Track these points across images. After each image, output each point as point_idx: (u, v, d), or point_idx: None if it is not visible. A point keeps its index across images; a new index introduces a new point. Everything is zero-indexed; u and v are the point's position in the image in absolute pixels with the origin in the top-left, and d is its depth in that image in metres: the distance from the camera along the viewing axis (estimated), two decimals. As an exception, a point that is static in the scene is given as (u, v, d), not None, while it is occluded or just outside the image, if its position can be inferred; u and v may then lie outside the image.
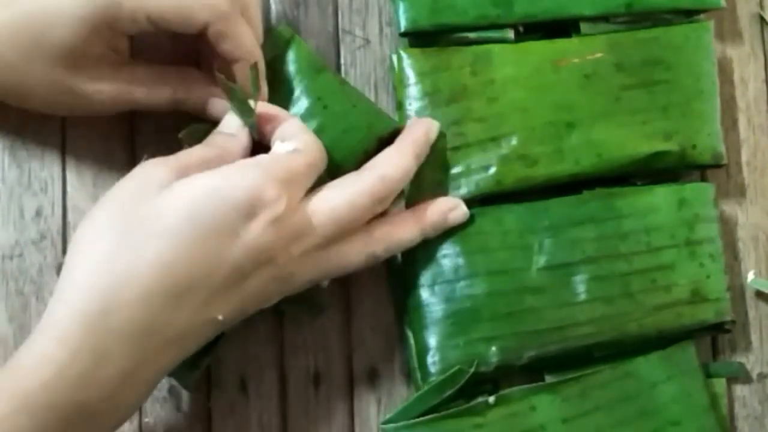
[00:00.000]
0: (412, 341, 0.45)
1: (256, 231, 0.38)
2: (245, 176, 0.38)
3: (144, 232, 0.36)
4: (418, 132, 0.44)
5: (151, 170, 0.38)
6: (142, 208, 0.37)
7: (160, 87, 0.43)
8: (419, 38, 0.47)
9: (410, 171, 0.43)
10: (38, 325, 0.36)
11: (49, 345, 0.35)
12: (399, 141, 0.44)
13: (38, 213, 0.45)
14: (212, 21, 0.40)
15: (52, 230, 0.45)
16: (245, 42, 0.42)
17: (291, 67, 0.45)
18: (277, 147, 0.41)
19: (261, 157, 0.40)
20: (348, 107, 0.44)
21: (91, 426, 0.36)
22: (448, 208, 0.45)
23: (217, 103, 0.43)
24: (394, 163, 0.42)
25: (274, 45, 0.45)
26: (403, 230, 0.43)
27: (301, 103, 0.44)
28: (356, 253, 0.42)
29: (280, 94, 0.44)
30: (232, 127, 0.42)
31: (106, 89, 0.42)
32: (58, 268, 0.42)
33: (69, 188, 0.46)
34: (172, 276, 0.36)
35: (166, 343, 0.37)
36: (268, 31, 0.45)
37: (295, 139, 0.41)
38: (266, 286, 0.39)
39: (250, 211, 0.37)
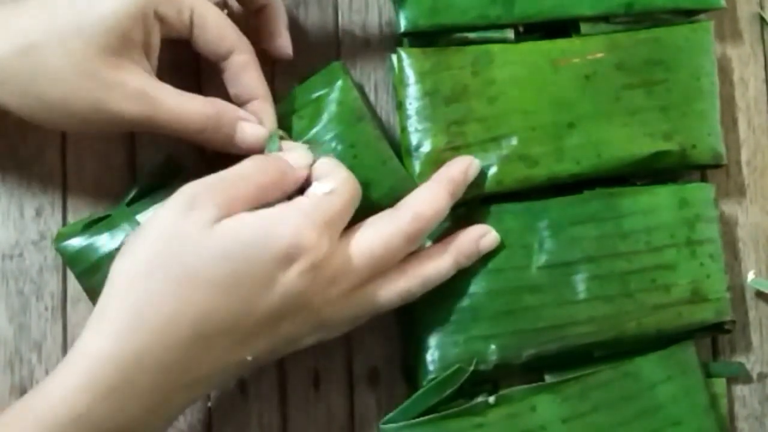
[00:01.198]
0: (411, 341, 0.45)
1: (293, 278, 0.37)
2: (287, 224, 0.38)
3: (186, 280, 0.36)
4: (456, 170, 0.44)
5: (198, 207, 0.37)
6: (185, 251, 0.37)
7: (191, 100, 0.41)
8: (419, 38, 0.47)
9: (445, 209, 0.43)
10: (71, 353, 0.36)
11: (82, 380, 0.35)
12: (436, 177, 0.44)
13: (38, 213, 0.45)
14: (241, 50, 0.42)
15: (52, 230, 0.45)
16: (263, 80, 0.43)
17: (333, 107, 0.44)
18: (315, 188, 0.40)
19: (301, 202, 0.39)
20: (377, 163, 0.44)
21: None
22: (479, 235, 0.44)
23: (247, 128, 0.42)
24: (428, 202, 0.42)
25: (324, 81, 0.45)
26: (437, 264, 0.43)
27: (334, 147, 0.44)
28: (391, 291, 0.42)
29: (316, 132, 0.44)
30: (296, 160, 0.41)
31: (136, 85, 0.39)
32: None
33: (69, 188, 0.46)
34: (209, 323, 0.37)
35: (193, 382, 0.37)
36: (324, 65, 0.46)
37: (330, 178, 0.41)
38: (300, 329, 0.40)
39: (289, 259, 0.37)
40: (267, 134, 0.42)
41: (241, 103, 0.43)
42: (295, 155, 0.42)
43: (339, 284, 0.40)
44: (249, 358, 0.38)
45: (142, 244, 0.37)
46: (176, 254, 0.37)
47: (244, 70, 0.42)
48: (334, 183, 0.40)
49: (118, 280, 0.37)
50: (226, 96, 0.42)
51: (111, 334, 0.36)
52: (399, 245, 0.41)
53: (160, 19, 0.40)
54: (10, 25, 0.39)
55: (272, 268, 0.37)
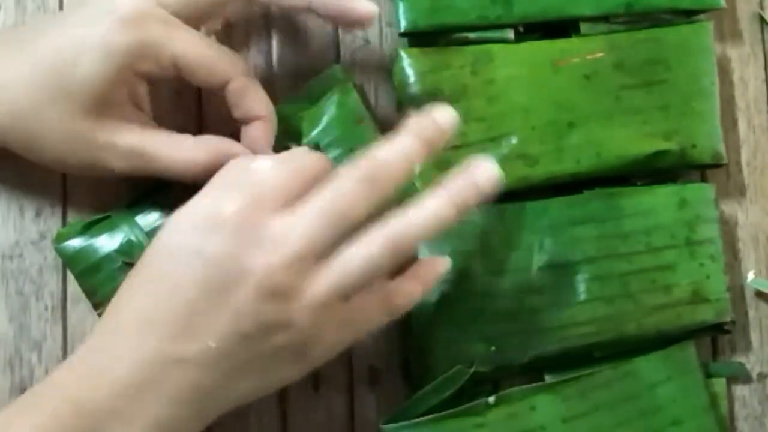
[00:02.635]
0: (412, 341, 0.45)
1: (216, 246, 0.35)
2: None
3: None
4: (429, 122, 0.39)
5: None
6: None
7: (182, 148, 0.41)
8: (419, 38, 0.47)
9: (413, 158, 0.38)
10: (89, 340, 0.37)
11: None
12: (406, 128, 0.39)
13: (38, 213, 0.45)
14: (235, 77, 0.40)
15: (52, 230, 0.45)
16: (264, 99, 0.41)
17: (333, 110, 0.44)
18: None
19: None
20: None
21: None
22: (476, 179, 0.39)
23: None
24: (390, 146, 0.38)
25: (325, 84, 0.45)
26: (431, 208, 0.38)
27: (334, 149, 0.44)
28: (376, 308, 0.38)
29: (317, 134, 0.44)
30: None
31: (126, 143, 0.40)
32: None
33: (69, 188, 0.46)
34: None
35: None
36: (324, 69, 0.46)
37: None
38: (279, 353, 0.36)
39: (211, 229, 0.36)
40: None
41: (244, 124, 0.42)
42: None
43: (284, 246, 0.35)
44: (212, 345, 0.35)
45: (163, 258, 0.37)
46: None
47: (243, 96, 0.41)
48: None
49: (129, 291, 0.38)
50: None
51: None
52: (352, 190, 0.36)
53: (142, 75, 0.40)
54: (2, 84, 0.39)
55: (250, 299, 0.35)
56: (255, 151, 0.41)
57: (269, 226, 0.35)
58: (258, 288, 0.35)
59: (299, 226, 0.36)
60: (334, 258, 0.36)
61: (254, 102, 0.41)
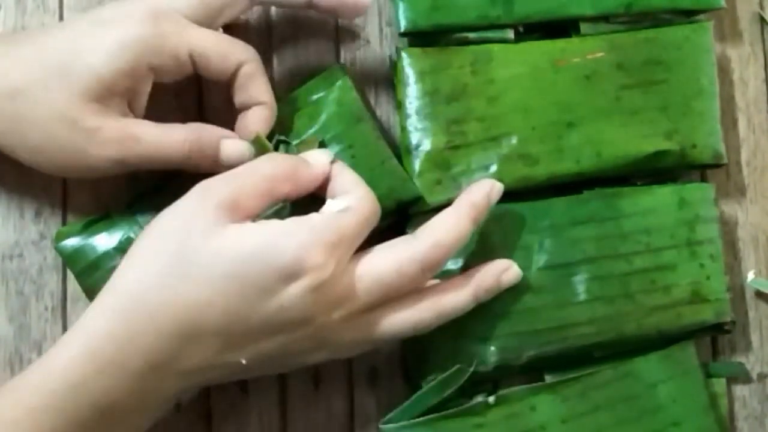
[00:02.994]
0: (411, 341, 0.45)
1: (293, 294, 0.37)
2: (293, 240, 0.37)
3: (186, 275, 0.37)
4: (478, 195, 0.42)
5: (207, 208, 0.38)
6: (190, 249, 0.37)
7: (171, 131, 0.42)
8: (419, 38, 0.47)
9: (466, 237, 0.41)
10: (73, 327, 0.37)
11: (79, 351, 0.36)
12: (457, 204, 0.42)
13: (38, 213, 0.45)
14: (247, 61, 0.41)
15: (52, 230, 0.45)
16: (268, 87, 0.42)
17: (333, 108, 0.44)
18: (329, 205, 0.40)
19: (312, 218, 0.39)
20: (375, 163, 0.44)
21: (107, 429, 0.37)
22: (501, 269, 0.43)
23: (229, 145, 0.42)
24: (449, 230, 0.40)
25: (325, 82, 0.45)
26: (456, 298, 0.42)
27: (332, 147, 0.44)
28: (403, 320, 0.40)
29: (315, 132, 0.44)
30: (312, 157, 0.42)
31: (114, 130, 0.40)
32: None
33: (69, 188, 0.46)
34: (200, 319, 0.37)
35: (185, 371, 0.38)
36: (324, 67, 0.46)
37: (348, 195, 0.40)
38: (299, 344, 0.39)
39: (291, 275, 0.37)
40: (249, 146, 0.42)
41: (244, 110, 0.43)
42: (313, 153, 0.42)
43: (344, 306, 0.39)
44: (243, 361, 0.38)
45: (152, 233, 0.38)
46: (181, 247, 0.37)
47: (250, 80, 0.42)
48: (350, 201, 0.40)
49: (125, 263, 0.38)
50: (227, 101, 0.43)
51: (108, 312, 0.37)
52: (414, 273, 0.40)
53: (154, 69, 0.41)
54: (1, 68, 0.40)
55: (273, 282, 0.37)
56: (246, 136, 0.42)
57: (337, 283, 0.38)
58: (314, 332, 0.39)
59: (362, 293, 0.39)
60: (386, 318, 0.40)
61: (259, 87, 0.42)
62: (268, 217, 0.39)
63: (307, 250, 0.37)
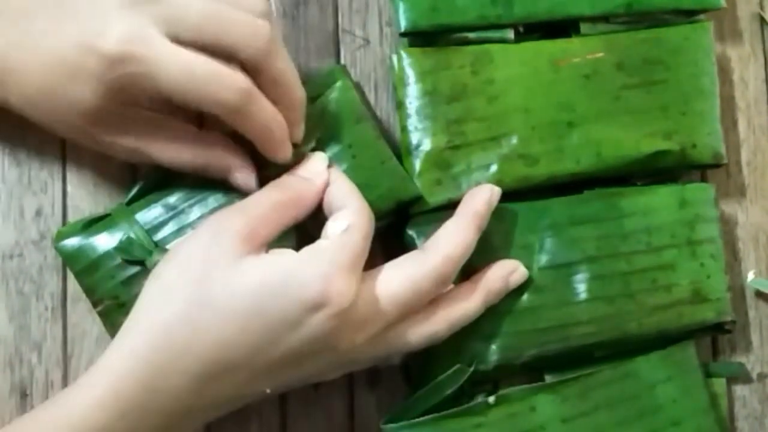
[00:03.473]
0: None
1: (319, 323, 0.37)
2: (315, 271, 0.37)
3: (209, 312, 0.37)
4: (479, 203, 0.43)
5: (223, 240, 0.38)
6: (210, 285, 0.37)
7: (181, 152, 0.42)
8: (419, 38, 0.47)
9: (473, 245, 0.42)
10: (96, 363, 0.37)
11: (104, 394, 0.36)
12: (461, 215, 0.42)
13: (38, 213, 0.45)
14: (232, 97, 0.38)
15: (52, 230, 0.45)
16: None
17: (332, 108, 0.44)
18: (332, 228, 0.40)
19: (324, 245, 0.39)
20: (375, 163, 0.44)
21: None
22: (509, 271, 0.44)
23: (239, 178, 0.42)
24: (457, 242, 0.41)
25: (324, 82, 0.45)
26: (466, 306, 0.42)
27: (332, 147, 0.44)
28: (418, 334, 0.41)
29: (314, 132, 0.44)
30: (310, 171, 0.42)
31: (127, 145, 0.41)
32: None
33: (69, 188, 0.46)
34: (227, 355, 0.37)
35: (207, 407, 0.38)
36: (322, 68, 0.46)
37: (345, 211, 0.40)
38: (322, 368, 0.40)
39: (317, 305, 0.37)
40: (255, 187, 0.41)
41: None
42: (309, 164, 0.42)
43: (365, 329, 0.39)
44: (267, 391, 0.39)
45: (170, 269, 0.38)
46: (200, 282, 0.37)
47: (243, 120, 0.40)
48: (350, 217, 0.40)
49: (144, 300, 0.38)
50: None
51: (131, 353, 0.37)
52: (429, 289, 0.40)
53: (133, 98, 0.40)
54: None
55: (297, 314, 0.37)
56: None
57: (358, 308, 0.39)
58: (337, 358, 0.39)
59: (382, 315, 0.39)
60: (403, 334, 0.41)
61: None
62: (278, 244, 0.39)
63: (330, 280, 0.37)
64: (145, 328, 0.37)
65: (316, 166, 0.42)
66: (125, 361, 0.37)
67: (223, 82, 0.38)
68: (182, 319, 0.37)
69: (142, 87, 0.38)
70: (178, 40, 0.37)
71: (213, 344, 0.37)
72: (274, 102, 0.40)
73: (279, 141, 0.41)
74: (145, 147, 0.41)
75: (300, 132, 0.42)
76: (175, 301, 0.37)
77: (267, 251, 0.39)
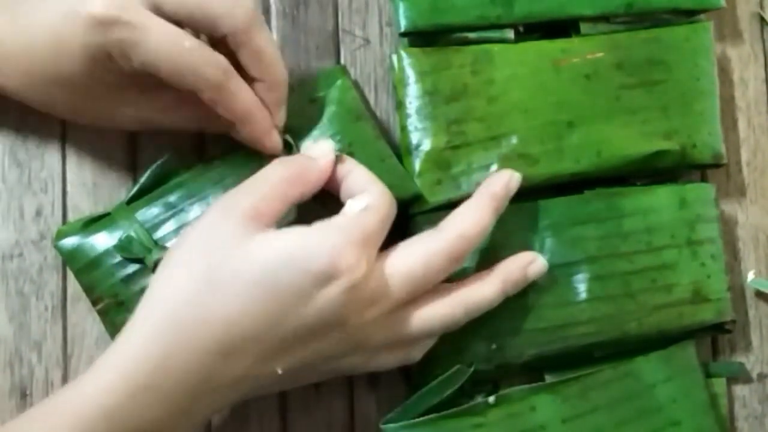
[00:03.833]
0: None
1: (330, 297, 0.37)
2: (324, 243, 0.37)
3: (218, 288, 0.37)
4: (498, 186, 0.42)
5: (230, 219, 0.38)
6: (219, 262, 0.37)
7: (184, 111, 0.42)
8: (419, 38, 0.47)
9: (489, 227, 0.41)
10: (106, 352, 0.37)
11: (114, 378, 0.36)
12: (478, 195, 0.42)
13: (38, 213, 0.45)
14: (214, 77, 0.39)
15: (52, 230, 0.45)
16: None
17: (332, 107, 0.44)
18: (350, 206, 0.40)
19: (337, 221, 0.39)
20: (375, 161, 0.44)
21: None
22: (528, 262, 0.43)
23: (240, 133, 0.42)
24: (472, 221, 0.41)
25: (324, 82, 0.45)
26: (484, 291, 0.42)
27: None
28: (432, 316, 0.41)
29: (314, 130, 0.44)
30: (315, 152, 0.42)
31: (127, 114, 0.42)
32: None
33: (69, 188, 0.46)
34: (238, 332, 0.37)
35: (219, 387, 0.37)
36: (322, 69, 0.46)
37: (366, 193, 0.40)
38: (333, 348, 0.39)
39: (328, 278, 0.37)
40: (263, 137, 0.42)
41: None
42: (315, 148, 0.42)
43: (376, 305, 0.39)
44: (279, 371, 0.38)
45: (180, 250, 0.38)
46: (209, 262, 0.37)
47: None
48: (369, 198, 0.40)
49: (154, 284, 0.38)
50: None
51: (142, 335, 0.37)
52: (441, 266, 0.40)
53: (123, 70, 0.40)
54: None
55: (309, 287, 0.37)
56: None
57: (369, 283, 0.38)
58: (347, 335, 0.39)
59: (393, 291, 0.39)
60: (416, 314, 0.41)
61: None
62: (282, 223, 0.39)
63: (339, 252, 0.37)
64: (154, 309, 0.37)
65: (322, 146, 0.42)
66: (135, 343, 0.37)
67: (206, 57, 0.38)
68: (191, 299, 0.37)
69: (128, 56, 0.38)
70: (161, 12, 0.38)
71: (222, 322, 0.36)
72: (256, 80, 0.40)
73: (262, 126, 0.41)
74: (146, 113, 0.41)
75: (283, 115, 0.42)
76: (183, 281, 0.37)
77: (275, 228, 0.38)
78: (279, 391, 0.44)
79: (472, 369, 0.44)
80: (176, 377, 0.36)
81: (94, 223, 0.43)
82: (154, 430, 0.36)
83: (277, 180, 0.39)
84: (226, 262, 0.37)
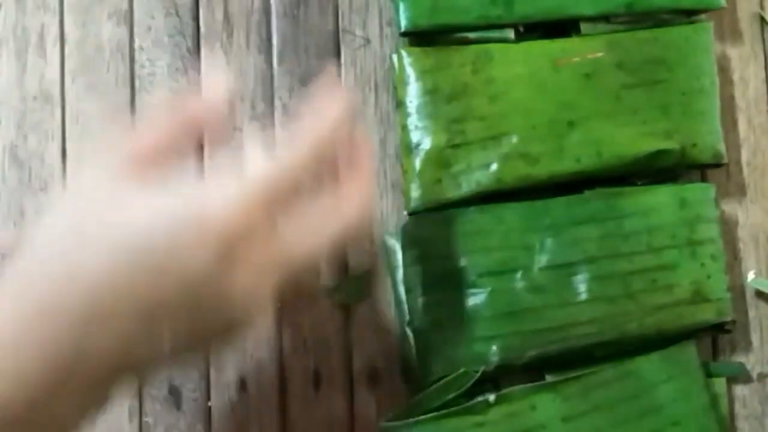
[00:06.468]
0: (412, 341, 0.45)
1: (209, 258, 0.32)
2: (217, 197, 0.33)
3: (87, 247, 0.32)
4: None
5: (101, 172, 0.34)
6: (87, 220, 0.32)
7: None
8: (419, 38, 0.47)
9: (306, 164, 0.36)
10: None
11: None
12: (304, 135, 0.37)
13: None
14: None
15: (52, 230, 0.45)
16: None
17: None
18: (254, 156, 0.35)
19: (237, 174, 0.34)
20: None
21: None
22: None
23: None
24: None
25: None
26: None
27: None
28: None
29: None
30: (208, 86, 0.37)
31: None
32: None
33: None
34: (110, 293, 0.32)
35: (94, 363, 0.32)
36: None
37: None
38: (213, 320, 0.34)
39: (205, 230, 0.32)
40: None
41: None
42: (208, 81, 0.38)
43: (264, 278, 0.34)
44: (166, 348, 0.33)
45: (51, 209, 0.34)
46: (77, 219, 0.33)
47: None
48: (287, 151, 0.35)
49: (25, 244, 0.34)
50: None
51: (5, 291, 0.32)
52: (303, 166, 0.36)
53: None
54: None
55: (186, 242, 0.32)
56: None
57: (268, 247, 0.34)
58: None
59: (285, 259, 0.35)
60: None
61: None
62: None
63: (231, 209, 0.33)
64: (22, 266, 0.33)
65: (214, 83, 0.38)
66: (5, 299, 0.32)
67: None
68: (59, 257, 0.32)
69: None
70: None
71: (95, 283, 0.32)
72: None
73: None
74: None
75: None
76: (50, 240, 0.33)
77: (164, 181, 0.34)
78: (169, 369, 0.40)
79: (478, 374, 0.44)
80: (45, 342, 0.31)
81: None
82: (26, 398, 0.31)
83: (160, 130, 0.35)
84: (96, 220, 0.32)
